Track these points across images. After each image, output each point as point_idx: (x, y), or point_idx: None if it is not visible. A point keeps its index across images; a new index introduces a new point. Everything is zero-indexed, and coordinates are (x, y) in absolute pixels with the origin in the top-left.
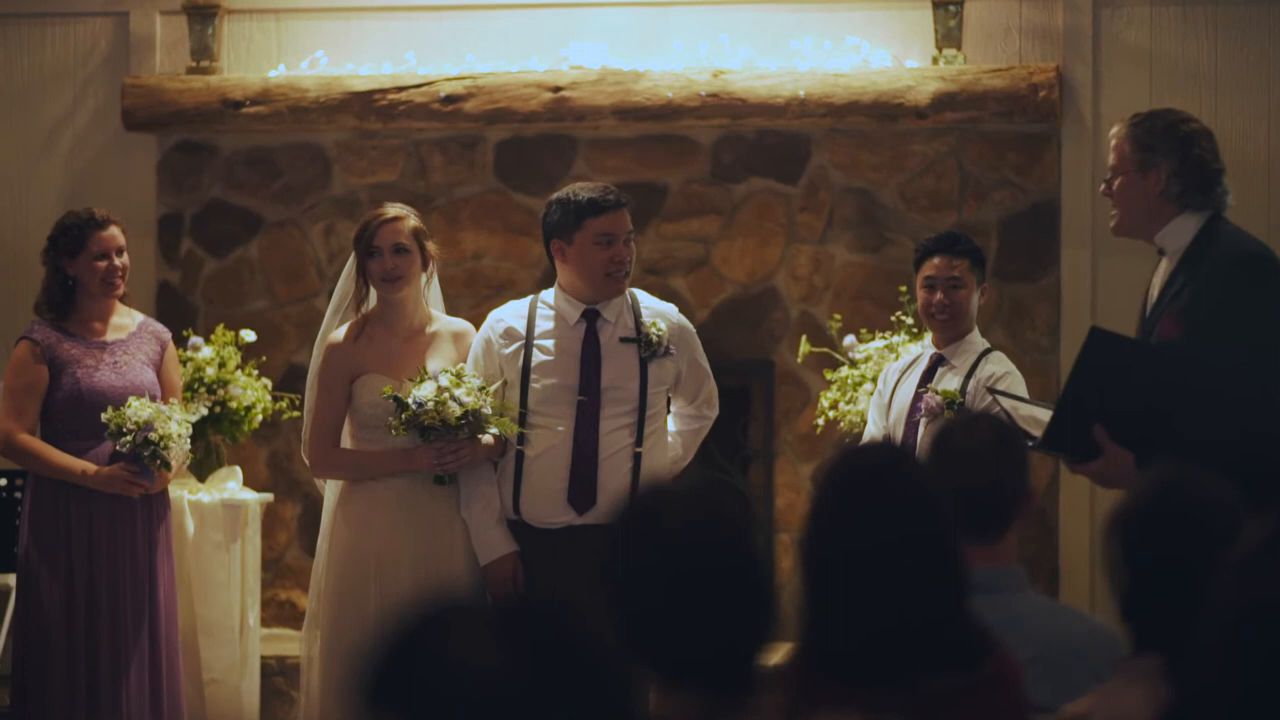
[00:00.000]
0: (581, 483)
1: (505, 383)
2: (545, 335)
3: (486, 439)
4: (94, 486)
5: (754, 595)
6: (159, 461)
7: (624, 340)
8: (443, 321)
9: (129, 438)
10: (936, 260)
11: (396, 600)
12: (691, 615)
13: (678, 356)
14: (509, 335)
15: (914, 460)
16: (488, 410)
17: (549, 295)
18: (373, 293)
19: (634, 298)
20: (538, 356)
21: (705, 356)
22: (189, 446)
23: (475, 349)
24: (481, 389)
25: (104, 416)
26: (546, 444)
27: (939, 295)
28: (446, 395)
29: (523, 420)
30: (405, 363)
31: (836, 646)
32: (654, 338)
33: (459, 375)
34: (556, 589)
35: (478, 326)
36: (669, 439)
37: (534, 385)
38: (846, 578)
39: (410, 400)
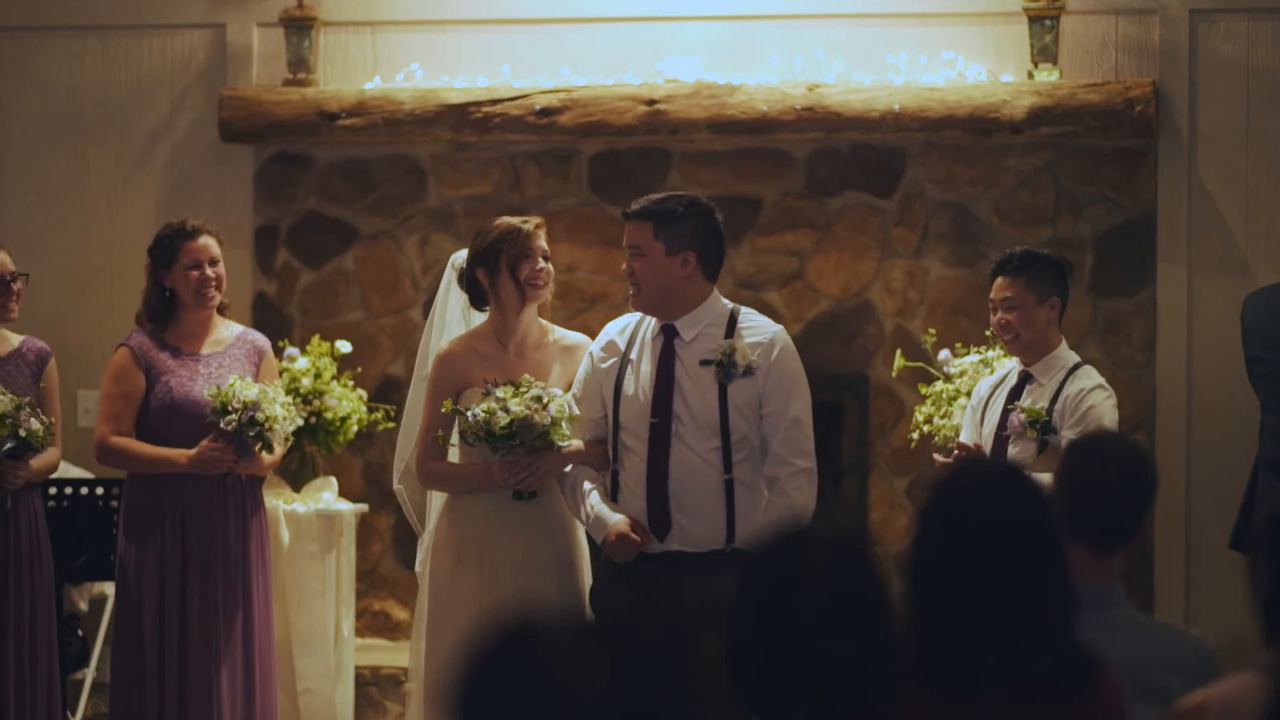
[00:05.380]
0: (656, 508)
1: (602, 397)
2: (638, 351)
3: (575, 444)
4: (191, 469)
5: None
6: (261, 443)
7: (704, 363)
8: (556, 335)
9: (234, 416)
10: (995, 283)
11: (494, 612)
12: (811, 684)
13: (759, 375)
14: (608, 350)
15: (1028, 477)
16: (540, 420)
17: None
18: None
19: (732, 315)
20: (628, 373)
21: (803, 385)
22: (291, 430)
23: (583, 363)
24: (537, 399)
25: (208, 393)
26: (635, 465)
27: (999, 316)
28: (498, 407)
29: (616, 438)
30: (512, 377)
31: (941, 662)
32: (725, 358)
33: (518, 386)
34: (648, 611)
35: None
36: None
37: (622, 400)
38: (954, 593)
39: (468, 413)
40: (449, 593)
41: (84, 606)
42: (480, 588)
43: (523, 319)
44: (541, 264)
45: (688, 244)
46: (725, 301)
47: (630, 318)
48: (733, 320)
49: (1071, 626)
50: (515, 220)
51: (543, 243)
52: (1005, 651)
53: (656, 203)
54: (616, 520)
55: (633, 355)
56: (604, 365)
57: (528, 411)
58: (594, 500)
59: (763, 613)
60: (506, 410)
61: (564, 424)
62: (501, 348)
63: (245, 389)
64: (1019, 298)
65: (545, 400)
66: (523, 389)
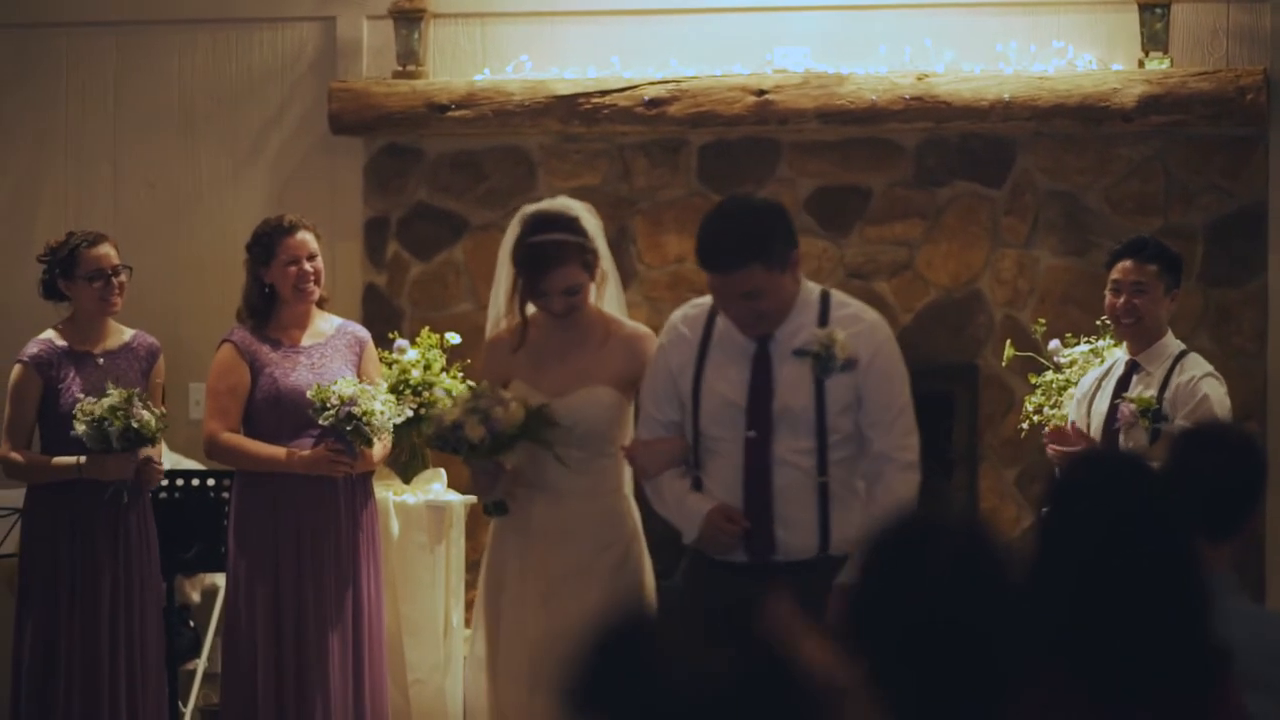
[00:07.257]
0: (758, 527)
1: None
2: (721, 342)
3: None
4: (299, 469)
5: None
6: (361, 438)
7: (797, 353)
8: (614, 327)
9: (332, 411)
10: (1124, 264)
11: (531, 609)
12: (935, 674)
13: (860, 368)
14: (679, 346)
15: (1153, 471)
16: (471, 433)
17: None
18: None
19: (823, 298)
20: (709, 367)
21: (905, 374)
22: (392, 427)
23: (652, 362)
24: (474, 410)
25: (309, 393)
26: (723, 473)
27: (1122, 299)
28: (436, 414)
29: (696, 437)
30: (558, 374)
31: (1073, 663)
32: (823, 350)
33: (476, 393)
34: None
35: None
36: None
37: (704, 401)
38: (1084, 592)
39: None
40: (494, 588)
41: (195, 597)
42: (521, 582)
43: (561, 324)
44: (559, 299)
45: (790, 247)
46: (810, 284)
47: (698, 304)
48: (825, 304)
49: (1207, 626)
50: (538, 240)
51: (568, 281)
52: (1137, 651)
53: (744, 237)
54: (716, 504)
55: (711, 352)
56: (675, 363)
57: (456, 423)
58: (682, 489)
59: (893, 587)
60: (439, 419)
61: (516, 440)
62: (552, 341)
63: (345, 386)
64: (1151, 284)
65: (489, 414)
66: (468, 398)
